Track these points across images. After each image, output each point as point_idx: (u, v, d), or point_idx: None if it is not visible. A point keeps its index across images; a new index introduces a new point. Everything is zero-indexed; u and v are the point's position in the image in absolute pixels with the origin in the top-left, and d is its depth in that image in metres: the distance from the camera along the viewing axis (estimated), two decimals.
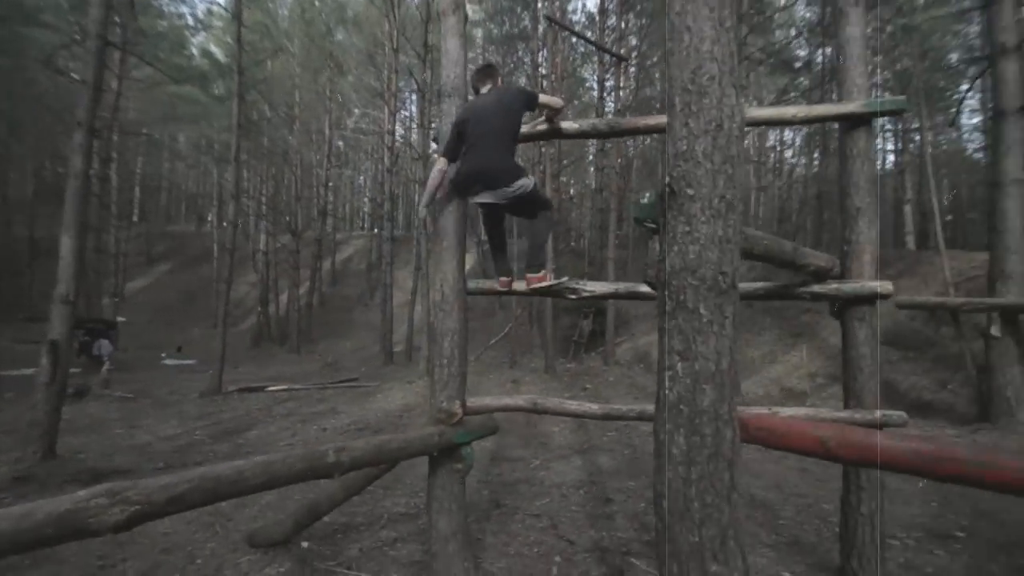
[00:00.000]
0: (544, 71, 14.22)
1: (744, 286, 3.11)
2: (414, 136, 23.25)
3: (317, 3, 23.63)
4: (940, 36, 13.34)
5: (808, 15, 14.65)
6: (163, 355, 18.16)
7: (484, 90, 3.03)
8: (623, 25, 14.38)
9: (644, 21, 16.88)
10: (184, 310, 28.06)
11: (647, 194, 2.31)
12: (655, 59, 15.83)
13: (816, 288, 2.74)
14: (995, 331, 5.39)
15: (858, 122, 2.73)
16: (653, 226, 1.59)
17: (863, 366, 2.71)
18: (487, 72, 3.09)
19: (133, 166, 30.89)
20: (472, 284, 3.18)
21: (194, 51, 25.85)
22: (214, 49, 26.61)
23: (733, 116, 1.45)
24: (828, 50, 13.85)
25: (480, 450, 6.26)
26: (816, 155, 20.56)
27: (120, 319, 18.87)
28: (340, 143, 32.10)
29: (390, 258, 16.93)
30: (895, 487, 4.29)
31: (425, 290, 12.74)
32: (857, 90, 2.78)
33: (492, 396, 3.32)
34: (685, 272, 1.44)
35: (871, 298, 2.70)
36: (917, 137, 17.73)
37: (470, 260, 25.33)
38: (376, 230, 27.82)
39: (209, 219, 38.47)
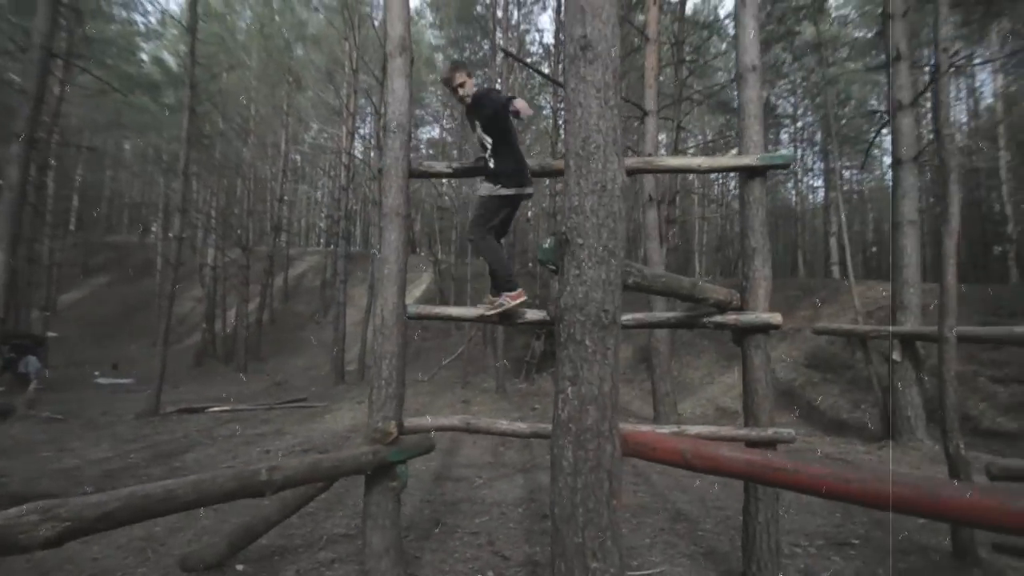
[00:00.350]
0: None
1: (659, 316, 3.43)
2: (373, 155, 23.27)
3: (277, 19, 23.54)
4: (861, 86, 14.71)
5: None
6: (97, 373, 17.21)
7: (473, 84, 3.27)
8: None
9: None
10: (122, 326, 26.67)
11: (549, 240, 2.56)
12: None
13: (718, 318, 3.06)
14: (896, 356, 5.99)
15: (754, 173, 3.10)
16: (554, 268, 1.84)
17: (758, 388, 3.04)
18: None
19: (73, 173, 29.43)
20: (412, 309, 3.35)
21: (144, 58, 25.13)
22: (167, 57, 25.94)
23: (615, 179, 1.72)
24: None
25: (425, 470, 6.37)
26: None
27: (50, 334, 17.80)
28: (297, 157, 31.71)
29: (344, 276, 16.80)
30: (805, 500, 4.68)
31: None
32: (754, 145, 3.17)
33: (431, 416, 3.48)
34: (575, 309, 1.69)
35: (764, 328, 3.05)
36: (846, 174, 19.27)
37: (426, 280, 25.35)
38: (332, 246, 27.50)
39: (153, 230, 36.91)
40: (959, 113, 18.08)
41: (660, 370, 8.04)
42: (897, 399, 6.16)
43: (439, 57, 24.11)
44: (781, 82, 16.65)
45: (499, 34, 16.18)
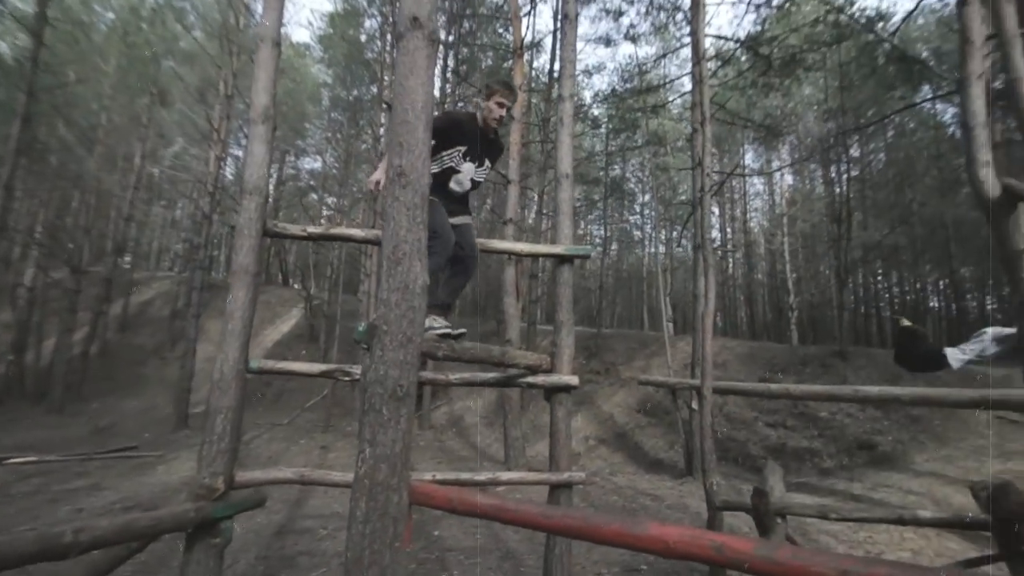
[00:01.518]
0: (383, 145, 14.99)
1: (482, 375, 3.93)
2: None
3: (144, 27, 21.70)
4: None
5: (599, 145, 18.64)
6: None
7: None
8: None
9: None
10: None
11: (363, 324, 2.87)
12: None
13: (531, 379, 3.63)
14: (694, 405, 7.20)
15: (562, 260, 3.79)
16: (366, 347, 2.22)
17: (560, 438, 3.63)
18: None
19: None
20: (255, 364, 3.46)
21: None
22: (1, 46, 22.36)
23: (417, 280, 2.17)
24: (614, 171, 17.46)
25: (267, 524, 6.15)
26: (614, 247, 24.69)
27: None
28: (156, 171, 28.72)
29: (198, 308, 15.43)
30: None
31: None
32: (564, 237, 3.88)
33: (262, 469, 3.55)
34: (376, 383, 2.07)
35: (566, 388, 3.68)
36: (678, 246, 22.40)
37: (296, 316, 24.03)
38: (187, 272, 24.96)
39: None
40: (765, 204, 22.51)
41: (511, 416, 8.64)
42: (694, 441, 7.36)
43: (325, 94, 23.90)
44: (632, 162, 19.38)
45: (386, 79, 16.63)
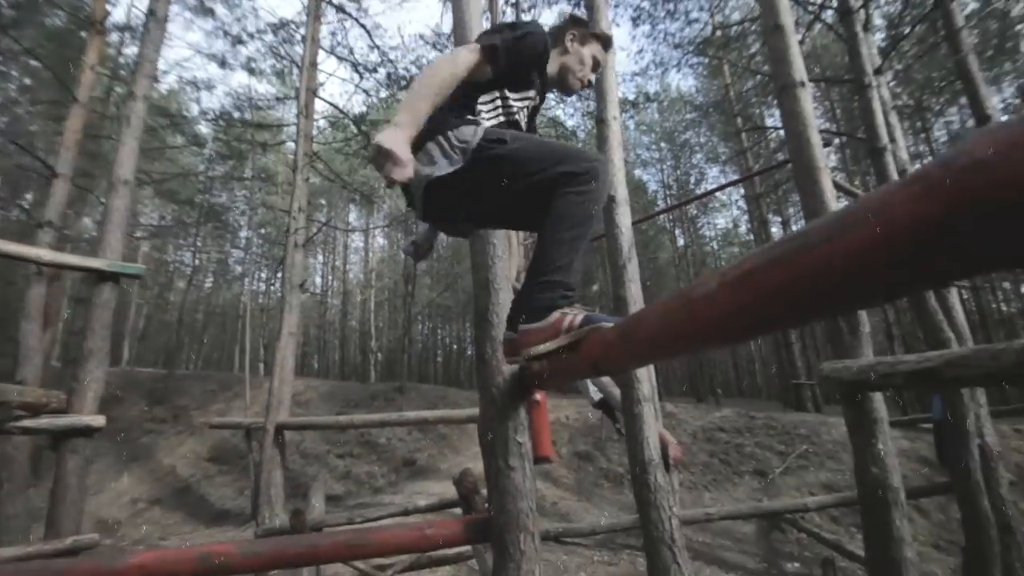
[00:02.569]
0: None
1: None
2: None
3: None
4: None
5: (201, 165, 16.62)
6: None
7: None
8: None
9: None
10: None
11: None
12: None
13: (27, 423, 2.78)
14: (268, 443, 6.95)
15: (104, 277, 3.15)
16: None
17: (68, 496, 2.88)
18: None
19: None
20: None
21: None
22: None
23: None
24: (220, 198, 15.56)
25: None
26: (209, 280, 21.67)
27: None
28: None
29: None
30: None
31: None
32: (111, 251, 3.27)
33: None
34: None
35: (87, 431, 2.99)
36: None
37: None
38: None
39: None
40: (362, 259, 24.90)
41: (10, 486, 6.15)
42: (264, 481, 7.04)
43: None
44: (241, 193, 17.99)
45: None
